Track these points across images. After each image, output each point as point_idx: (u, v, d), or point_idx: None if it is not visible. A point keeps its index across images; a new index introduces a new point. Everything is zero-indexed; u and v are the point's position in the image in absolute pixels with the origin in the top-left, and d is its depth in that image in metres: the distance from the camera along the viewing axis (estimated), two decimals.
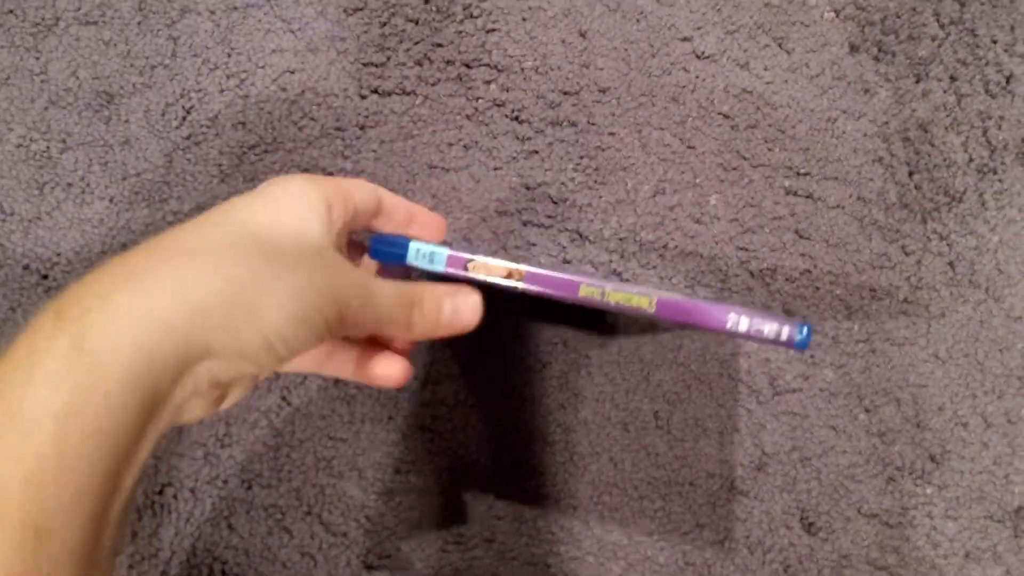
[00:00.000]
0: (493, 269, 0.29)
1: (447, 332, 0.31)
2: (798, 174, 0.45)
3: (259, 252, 0.25)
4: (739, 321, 0.29)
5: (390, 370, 0.33)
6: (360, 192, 0.31)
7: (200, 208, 0.44)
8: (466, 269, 0.29)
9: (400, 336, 0.33)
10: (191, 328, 0.23)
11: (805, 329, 0.29)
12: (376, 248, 0.30)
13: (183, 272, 0.23)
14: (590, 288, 0.29)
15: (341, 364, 0.33)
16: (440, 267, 0.29)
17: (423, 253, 0.29)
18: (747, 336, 0.29)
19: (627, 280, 0.45)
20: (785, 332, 0.29)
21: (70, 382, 0.21)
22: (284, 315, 0.25)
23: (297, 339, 0.25)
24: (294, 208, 0.27)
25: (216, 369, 0.24)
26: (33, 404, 0.21)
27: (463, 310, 0.31)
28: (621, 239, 0.45)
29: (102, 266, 0.24)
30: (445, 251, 0.29)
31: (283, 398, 0.44)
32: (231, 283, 0.24)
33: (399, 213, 0.33)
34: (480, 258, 0.29)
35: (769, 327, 0.29)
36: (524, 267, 0.29)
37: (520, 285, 0.29)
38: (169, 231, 0.26)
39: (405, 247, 0.29)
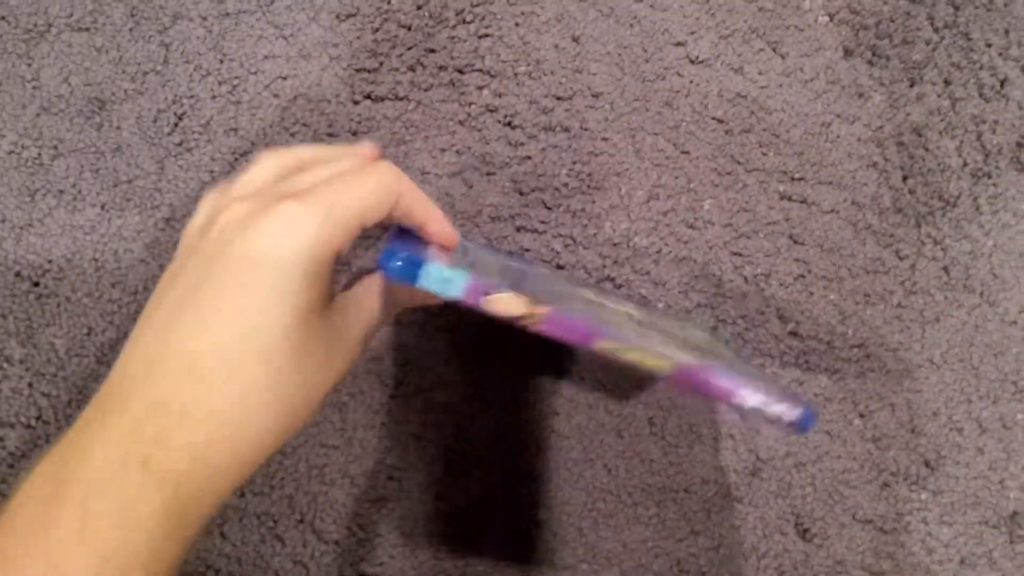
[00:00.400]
0: (511, 306, 0.26)
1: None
2: (792, 179, 0.45)
3: (294, 372, 0.26)
4: (749, 397, 0.27)
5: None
6: (373, 200, 0.28)
7: (191, 216, 0.43)
8: (480, 301, 0.26)
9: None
10: (255, 465, 0.26)
11: (810, 415, 0.27)
12: (385, 263, 0.27)
13: (243, 418, 0.25)
14: (608, 343, 0.26)
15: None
16: (456, 294, 0.26)
17: (438, 277, 0.26)
18: (750, 413, 0.27)
19: (621, 286, 0.44)
20: (792, 414, 0.27)
21: (162, 533, 0.23)
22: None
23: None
24: (291, 267, 0.25)
25: None
26: (127, 553, 0.23)
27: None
28: (615, 245, 0.45)
29: (165, 384, 0.25)
30: (464, 277, 0.26)
31: None
32: (288, 421, 0.27)
33: (413, 216, 0.31)
34: (503, 293, 0.26)
35: (777, 408, 0.27)
36: (544, 308, 0.26)
37: (533, 326, 0.27)
38: (189, 323, 0.26)
39: (418, 268, 0.26)
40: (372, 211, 0.27)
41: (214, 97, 0.44)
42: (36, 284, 0.43)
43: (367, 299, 0.31)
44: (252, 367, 0.25)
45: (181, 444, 0.24)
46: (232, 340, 0.25)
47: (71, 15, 0.44)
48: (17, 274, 0.43)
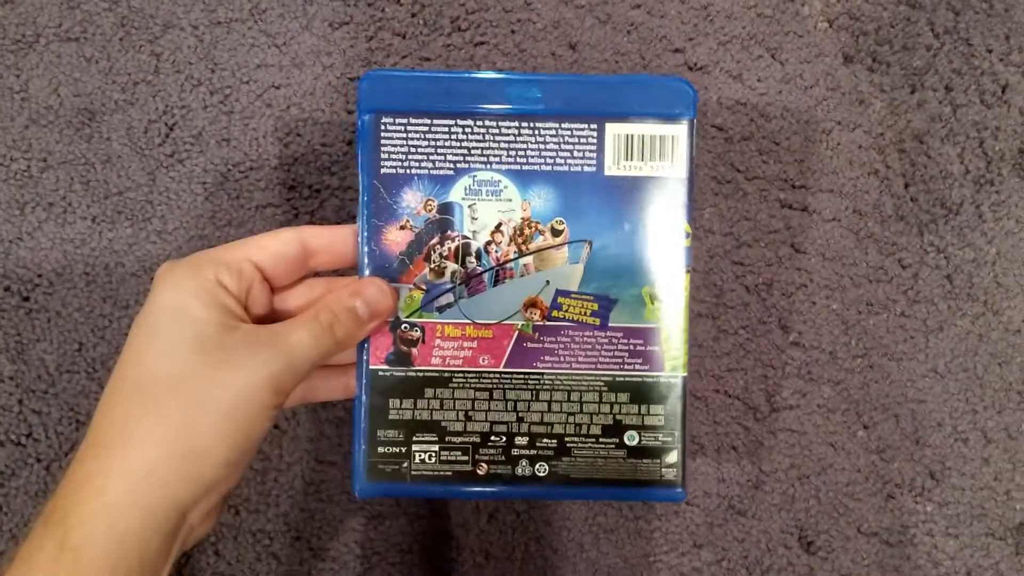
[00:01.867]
0: None
1: (373, 328, 0.33)
2: (793, 187, 0.45)
3: (183, 428, 0.27)
4: None
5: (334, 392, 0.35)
6: (265, 249, 0.31)
7: (184, 228, 0.43)
8: None
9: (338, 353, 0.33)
10: (162, 506, 0.26)
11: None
12: None
13: (145, 460, 0.26)
14: None
15: (326, 391, 0.35)
16: None
17: None
18: None
19: None
20: None
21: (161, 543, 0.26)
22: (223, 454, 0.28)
23: (246, 452, 0.28)
24: (182, 319, 0.28)
25: (193, 516, 0.27)
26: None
27: (374, 301, 0.32)
28: None
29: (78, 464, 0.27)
30: None
31: None
32: (186, 480, 0.27)
33: (337, 246, 0.33)
34: None
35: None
36: None
37: None
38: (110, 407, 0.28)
39: None
40: (252, 252, 0.31)
41: (206, 107, 0.43)
42: (26, 299, 0.42)
43: (291, 333, 0.30)
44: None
45: (77, 502, 0.26)
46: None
47: (60, 25, 0.43)
48: (7, 288, 0.42)
